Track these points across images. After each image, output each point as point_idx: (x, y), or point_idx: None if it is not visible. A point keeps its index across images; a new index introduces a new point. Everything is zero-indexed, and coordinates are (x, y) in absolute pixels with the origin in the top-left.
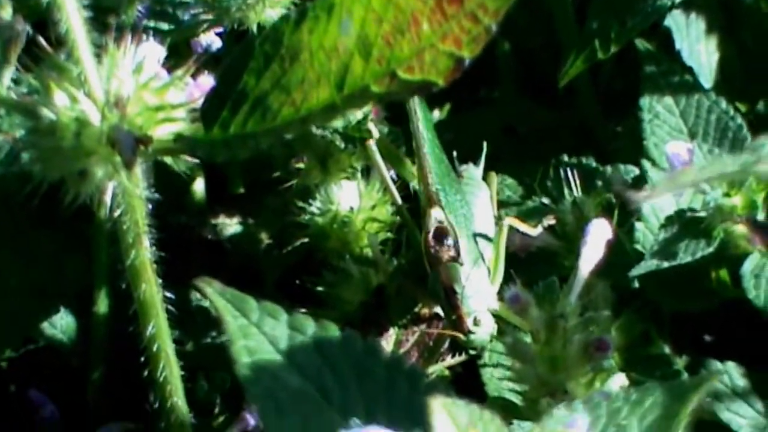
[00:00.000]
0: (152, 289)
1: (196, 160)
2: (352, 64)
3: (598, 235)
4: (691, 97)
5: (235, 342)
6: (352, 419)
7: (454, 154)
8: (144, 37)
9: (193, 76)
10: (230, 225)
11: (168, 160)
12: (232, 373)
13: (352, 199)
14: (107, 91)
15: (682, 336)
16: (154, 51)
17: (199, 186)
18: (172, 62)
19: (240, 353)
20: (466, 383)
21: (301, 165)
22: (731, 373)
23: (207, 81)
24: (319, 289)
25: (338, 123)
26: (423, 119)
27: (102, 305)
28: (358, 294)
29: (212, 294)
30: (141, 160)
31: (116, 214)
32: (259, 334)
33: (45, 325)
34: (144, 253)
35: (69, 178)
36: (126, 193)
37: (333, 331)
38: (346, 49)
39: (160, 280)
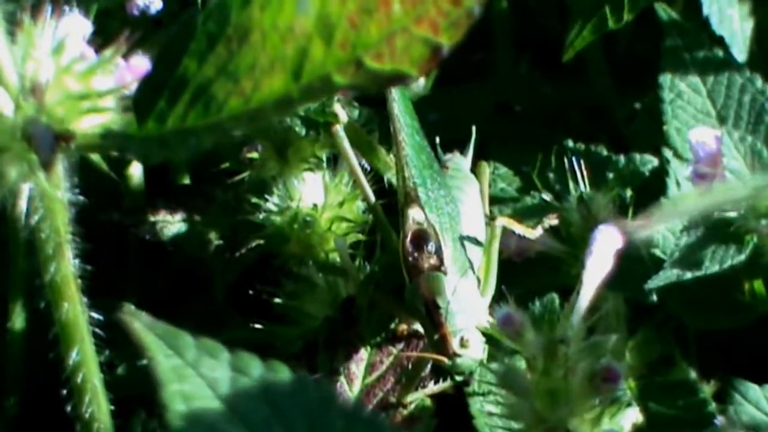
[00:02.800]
0: (76, 310)
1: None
2: (311, 49)
3: (607, 243)
4: (720, 73)
5: (167, 386)
6: None
7: (437, 140)
8: (67, 8)
9: (125, 56)
10: (172, 223)
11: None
12: None
13: (316, 195)
14: (22, 76)
15: (709, 358)
16: (78, 26)
17: (136, 173)
18: (102, 36)
19: (173, 399)
20: (453, 415)
21: (255, 154)
22: None
23: (141, 63)
24: (278, 301)
25: None
26: (400, 98)
27: (18, 321)
28: (324, 307)
29: (140, 330)
30: (62, 158)
31: (33, 220)
32: (196, 376)
33: None
34: (66, 266)
35: None
36: (44, 197)
37: (283, 373)
38: (304, 31)
39: (88, 294)
